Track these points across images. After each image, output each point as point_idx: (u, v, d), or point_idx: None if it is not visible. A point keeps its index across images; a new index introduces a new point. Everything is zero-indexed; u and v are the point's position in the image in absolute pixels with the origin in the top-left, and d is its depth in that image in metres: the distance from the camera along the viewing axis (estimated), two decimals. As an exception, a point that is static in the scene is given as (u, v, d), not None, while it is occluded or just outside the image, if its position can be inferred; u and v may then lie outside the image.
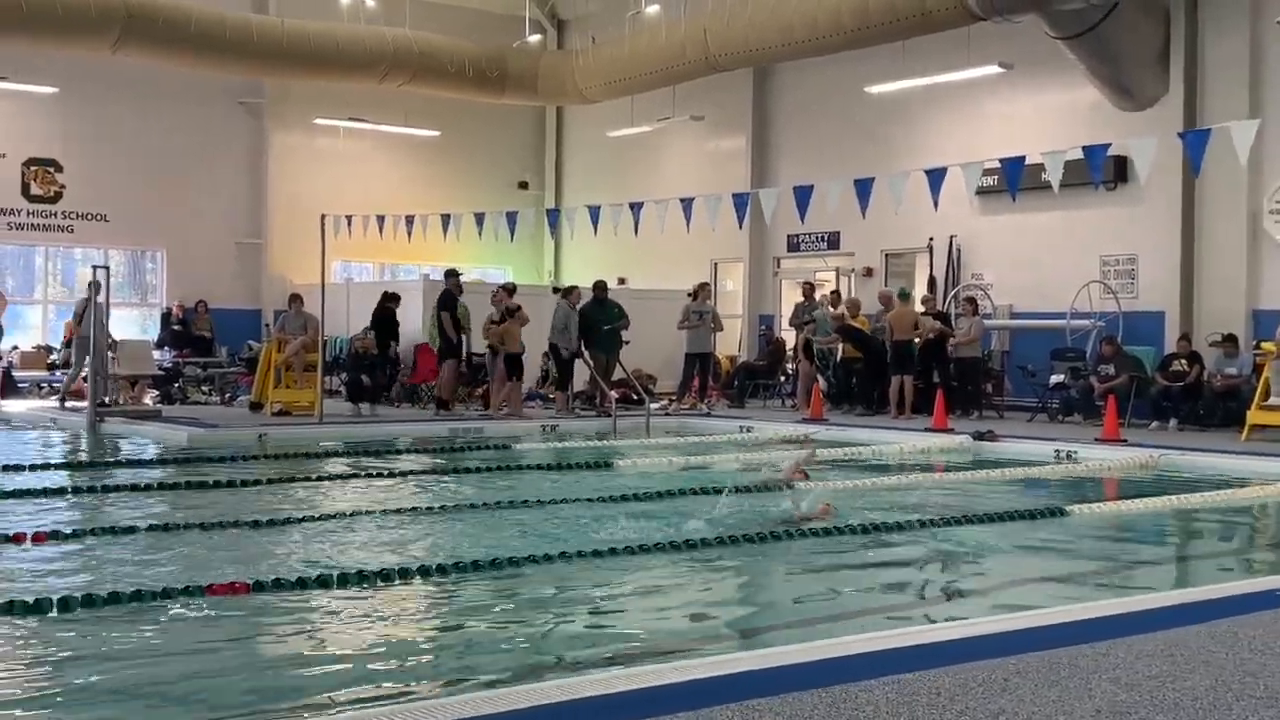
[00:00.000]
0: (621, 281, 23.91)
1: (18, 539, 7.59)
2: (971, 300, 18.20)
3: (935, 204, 12.61)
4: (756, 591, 7.32)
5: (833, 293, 20.70)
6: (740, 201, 14.73)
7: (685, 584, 7.13)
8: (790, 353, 21.11)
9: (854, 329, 18.59)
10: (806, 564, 7.67)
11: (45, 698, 4.80)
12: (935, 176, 12.46)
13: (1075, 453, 13.04)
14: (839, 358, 18.82)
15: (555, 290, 18.81)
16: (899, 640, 4.95)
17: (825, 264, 23.00)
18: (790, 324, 20.87)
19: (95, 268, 15.16)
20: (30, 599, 5.94)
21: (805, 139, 23.11)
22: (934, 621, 5.99)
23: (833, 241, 22.50)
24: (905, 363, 17.64)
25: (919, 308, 18.28)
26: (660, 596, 6.81)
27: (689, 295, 20.06)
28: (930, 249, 20.62)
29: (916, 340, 17.66)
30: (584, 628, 6.18)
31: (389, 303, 18.49)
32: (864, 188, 12.62)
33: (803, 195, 13.47)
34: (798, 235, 22.87)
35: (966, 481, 11.71)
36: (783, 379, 21.24)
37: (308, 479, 11.08)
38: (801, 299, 20.38)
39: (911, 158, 19.46)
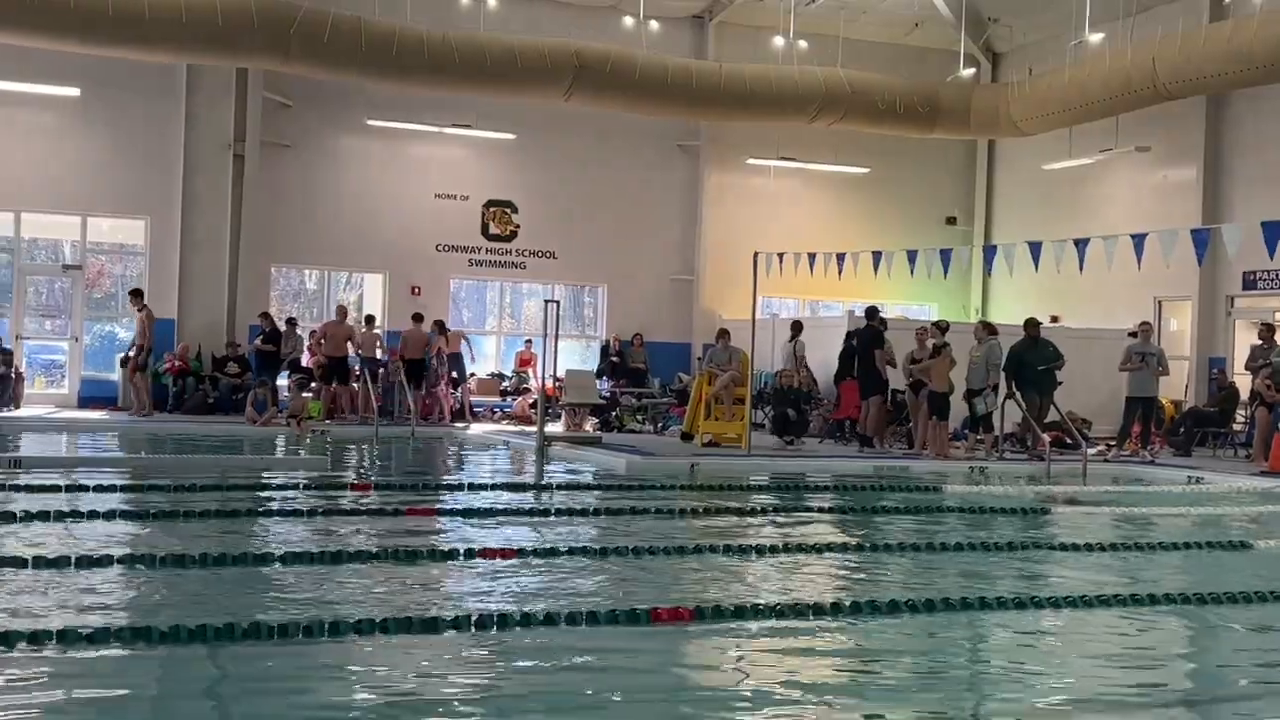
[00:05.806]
0: (1054, 319, 22.95)
1: (481, 554, 8.17)
2: None
3: None
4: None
5: None
6: (1200, 238, 13.79)
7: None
8: (1245, 399, 19.48)
9: (1320, 375, 16.92)
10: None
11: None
12: None
13: None
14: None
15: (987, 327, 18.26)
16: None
17: (1287, 303, 21.12)
18: (1245, 368, 19.27)
19: (547, 302, 16.24)
20: (479, 614, 6.36)
21: (1267, 170, 21.33)
22: None
23: (1296, 279, 20.65)
24: (1384, 414, 15.88)
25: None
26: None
27: (1130, 335, 18.99)
28: None
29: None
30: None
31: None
32: (1346, 222, 11.53)
33: (1271, 230, 12.45)
34: (1254, 272, 21.14)
35: None
36: (1236, 427, 19.64)
37: (738, 511, 11.38)
38: (1258, 341, 18.78)
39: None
